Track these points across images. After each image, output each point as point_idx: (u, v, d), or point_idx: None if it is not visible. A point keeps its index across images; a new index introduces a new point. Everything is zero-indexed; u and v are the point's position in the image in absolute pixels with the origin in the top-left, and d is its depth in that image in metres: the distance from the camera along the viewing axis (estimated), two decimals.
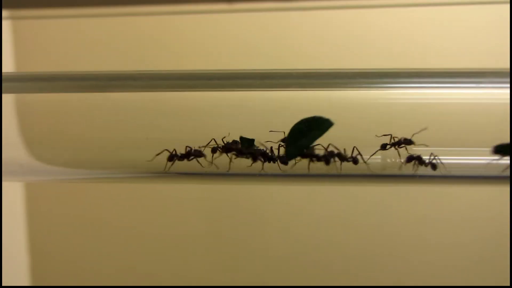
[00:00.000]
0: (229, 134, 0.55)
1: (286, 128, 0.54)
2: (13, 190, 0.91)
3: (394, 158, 0.55)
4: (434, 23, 0.85)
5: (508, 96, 0.51)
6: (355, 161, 0.54)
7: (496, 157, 0.53)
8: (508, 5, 0.79)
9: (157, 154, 0.55)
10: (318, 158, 0.55)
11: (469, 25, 0.84)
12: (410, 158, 0.54)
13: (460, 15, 0.84)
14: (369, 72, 0.54)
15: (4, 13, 0.83)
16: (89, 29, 0.88)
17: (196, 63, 0.85)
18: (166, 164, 0.55)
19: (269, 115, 0.56)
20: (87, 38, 0.88)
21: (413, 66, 0.54)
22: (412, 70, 0.55)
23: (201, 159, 0.56)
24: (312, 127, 0.54)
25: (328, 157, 0.55)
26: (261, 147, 0.55)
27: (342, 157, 0.54)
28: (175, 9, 0.84)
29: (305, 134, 0.55)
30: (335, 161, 0.54)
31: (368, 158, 0.55)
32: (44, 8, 0.86)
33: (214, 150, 0.55)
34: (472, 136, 0.54)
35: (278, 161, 0.55)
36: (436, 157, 0.54)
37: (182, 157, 0.56)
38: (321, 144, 0.54)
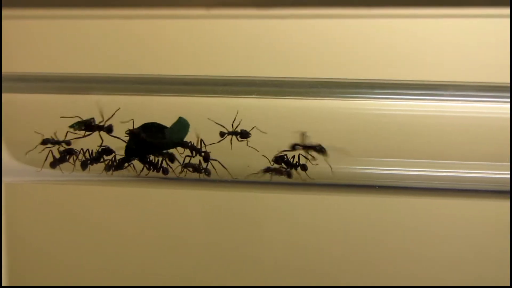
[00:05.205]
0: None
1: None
2: None
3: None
4: (431, 36, 0.85)
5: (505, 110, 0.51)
6: (207, 172, 0.55)
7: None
8: (507, 19, 0.79)
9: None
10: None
11: (468, 39, 0.84)
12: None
13: (460, 28, 0.84)
14: (356, 82, 0.54)
15: None
16: (70, 31, 0.88)
17: (171, 67, 0.85)
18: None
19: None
20: (69, 39, 0.88)
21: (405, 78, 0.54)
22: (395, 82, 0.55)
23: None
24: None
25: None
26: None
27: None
28: (151, 13, 0.84)
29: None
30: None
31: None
32: (30, 8, 0.86)
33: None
34: (466, 150, 0.54)
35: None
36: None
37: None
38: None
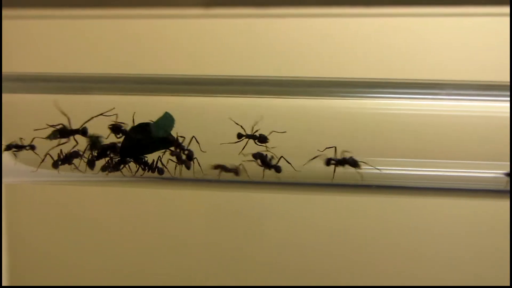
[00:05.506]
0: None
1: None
2: None
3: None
4: (431, 35, 0.85)
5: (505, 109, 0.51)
6: (187, 166, 0.56)
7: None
8: (506, 18, 0.79)
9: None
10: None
11: (468, 37, 0.84)
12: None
13: (460, 27, 0.84)
14: (354, 81, 0.54)
15: None
16: (69, 30, 0.88)
17: (170, 67, 0.85)
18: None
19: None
20: (69, 39, 0.88)
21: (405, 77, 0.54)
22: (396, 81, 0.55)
23: None
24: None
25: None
26: None
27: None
28: (150, 13, 0.84)
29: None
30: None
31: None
32: (30, 8, 0.86)
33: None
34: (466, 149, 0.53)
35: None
36: None
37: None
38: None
